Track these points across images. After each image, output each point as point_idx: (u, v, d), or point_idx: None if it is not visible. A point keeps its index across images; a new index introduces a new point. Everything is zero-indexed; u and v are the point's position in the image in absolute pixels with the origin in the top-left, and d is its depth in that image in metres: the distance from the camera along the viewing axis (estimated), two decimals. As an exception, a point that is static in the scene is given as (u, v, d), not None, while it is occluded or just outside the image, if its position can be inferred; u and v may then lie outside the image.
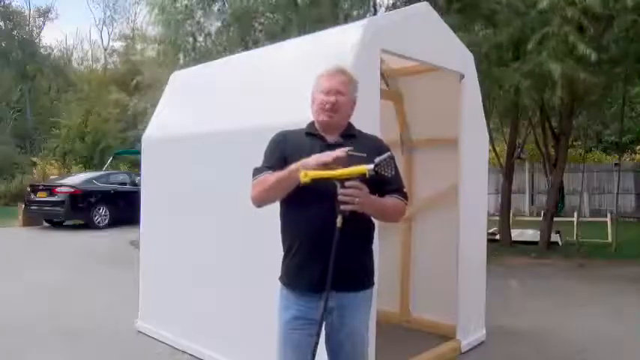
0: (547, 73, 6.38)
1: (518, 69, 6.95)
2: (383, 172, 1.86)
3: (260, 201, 2.07)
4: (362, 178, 1.86)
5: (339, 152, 1.87)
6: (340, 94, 2.08)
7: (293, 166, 1.92)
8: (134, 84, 15.21)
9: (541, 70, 6.49)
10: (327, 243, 1.88)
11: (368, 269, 2.15)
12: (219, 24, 10.70)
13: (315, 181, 1.85)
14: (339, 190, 1.85)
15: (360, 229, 2.04)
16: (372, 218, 2.10)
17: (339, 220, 1.87)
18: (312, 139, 2.12)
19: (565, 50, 6.37)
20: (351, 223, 1.89)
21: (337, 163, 1.86)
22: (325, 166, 1.86)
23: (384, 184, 2.02)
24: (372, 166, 1.85)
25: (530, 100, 7.57)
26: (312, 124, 2.16)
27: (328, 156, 1.88)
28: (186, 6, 10.43)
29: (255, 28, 9.75)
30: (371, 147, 2.08)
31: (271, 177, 2.00)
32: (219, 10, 10.39)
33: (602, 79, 7.18)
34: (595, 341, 4.31)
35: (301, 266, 2.04)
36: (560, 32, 6.17)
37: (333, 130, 2.11)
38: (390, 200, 2.06)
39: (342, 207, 1.85)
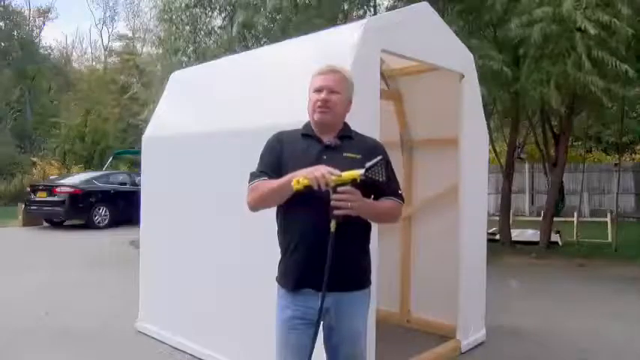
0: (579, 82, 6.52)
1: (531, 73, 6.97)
2: (374, 177, 1.87)
3: (255, 207, 2.09)
4: (354, 183, 1.87)
5: (327, 172, 1.84)
6: (333, 92, 2.07)
7: (288, 177, 1.92)
8: (133, 64, 15.19)
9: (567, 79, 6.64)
10: (322, 244, 1.89)
11: (365, 269, 2.15)
12: (219, 23, 10.71)
13: (308, 188, 1.85)
14: (332, 196, 1.86)
15: (357, 230, 2.05)
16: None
17: (332, 225, 1.88)
18: (308, 140, 2.11)
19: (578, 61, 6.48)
20: (347, 224, 1.90)
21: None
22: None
23: (378, 186, 2.02)
24: (362, 170, 1.87)
25: (535, 103, 7.62)
26: (308, 124, 2.16)
27: (318, 171, 1.84)
28: (187, 5, 10.44)
29: (256, 27, 9.76)
30: (366, 149, 2.08)
31: (266, 185, 2.01)
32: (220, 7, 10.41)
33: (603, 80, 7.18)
34: (595, 341, 4.31)
35: (297, 267, 2.04)
36: (581, 46, 6.28)
37: (328, 130, 2.11)
38: (386, 203, 2.06)
39: (335, 212, 1.87)
